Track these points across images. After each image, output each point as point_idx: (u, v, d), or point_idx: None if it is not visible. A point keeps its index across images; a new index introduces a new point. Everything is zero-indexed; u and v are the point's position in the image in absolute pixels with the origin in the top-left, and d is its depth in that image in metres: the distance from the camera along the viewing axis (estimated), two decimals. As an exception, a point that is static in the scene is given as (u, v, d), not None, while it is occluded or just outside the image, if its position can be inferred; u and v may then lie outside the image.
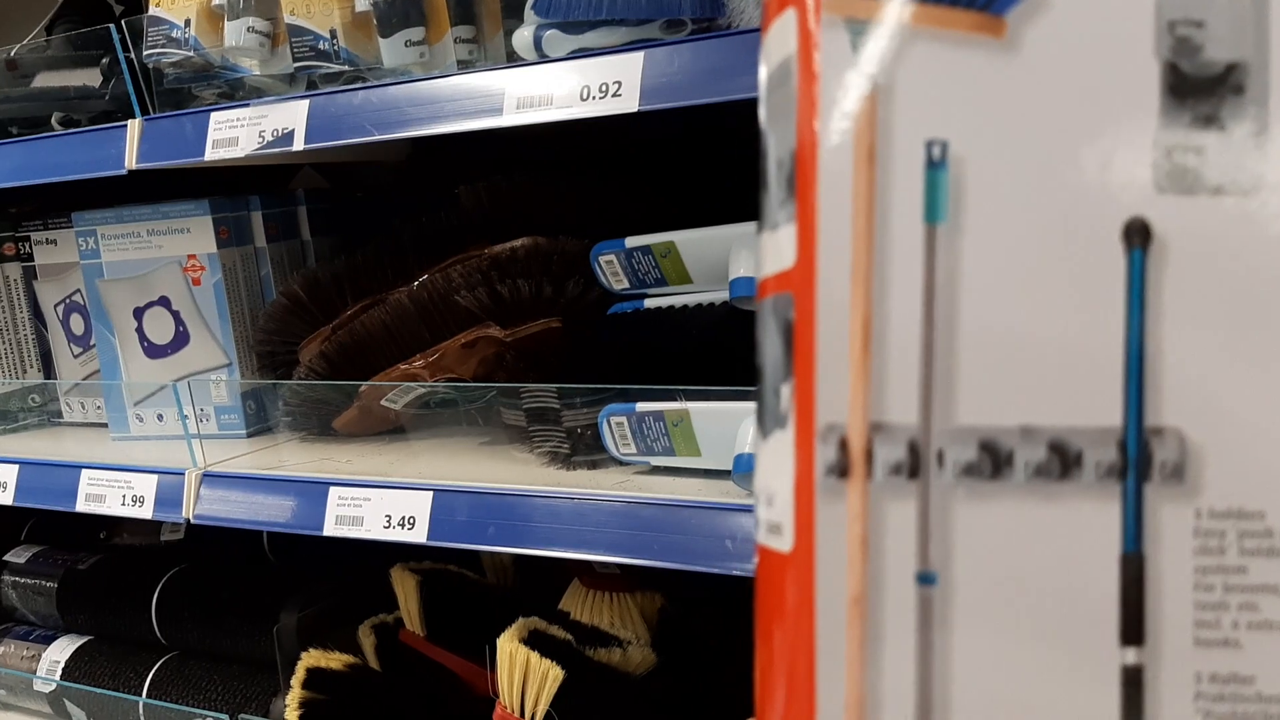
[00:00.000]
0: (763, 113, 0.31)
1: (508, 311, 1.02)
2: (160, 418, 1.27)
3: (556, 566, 1.19)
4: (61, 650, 1.37)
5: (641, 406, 0.90)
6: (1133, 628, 0.28)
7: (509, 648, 0.95)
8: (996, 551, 0.28)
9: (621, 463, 0.95)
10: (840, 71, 0.28)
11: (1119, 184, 0.28)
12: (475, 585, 1.23)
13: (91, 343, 1.37)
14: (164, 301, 1.25)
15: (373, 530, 0.98)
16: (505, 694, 0.96)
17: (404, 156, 1.34)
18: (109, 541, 1.55)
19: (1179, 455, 0.28)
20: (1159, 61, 0.28)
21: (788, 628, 0.29)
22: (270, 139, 1.00)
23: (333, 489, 1.01)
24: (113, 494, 1.16)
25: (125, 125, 1.09)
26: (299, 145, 0.98)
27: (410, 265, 1.11)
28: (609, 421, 0.93)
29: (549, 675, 0.93)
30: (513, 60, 0.94)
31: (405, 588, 1.17)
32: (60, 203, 1.33)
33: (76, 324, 1.39)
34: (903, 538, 0.28)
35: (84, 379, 1.40)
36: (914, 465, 0.28)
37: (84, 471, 1.18)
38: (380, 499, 0.99)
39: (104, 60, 1.18)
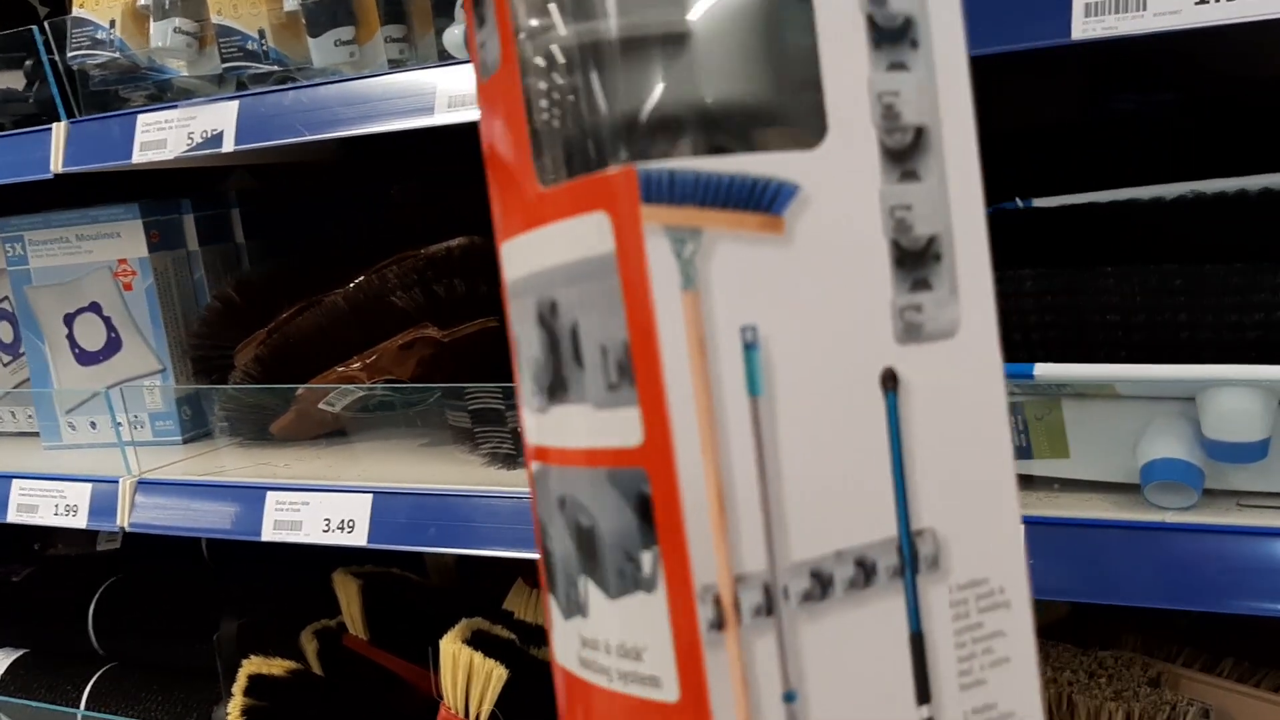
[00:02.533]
0: (558, 296, 0.35)
1: (444, 311, 1.02)
2: (93, 425, 1.25)
3: (500, 567, 1.18)
4: (-4, 664, 1.34)
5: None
6: (923, 689, 0.35)
7: (452, 649, 0.95)
8: (832, 658, 0.34)
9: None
10: (667, 274, 0.33)
11: (874, 341, 0.35)
12: (418, 588, 1.23)
13: (20, 351, 1.34)
14: (95, 307, 1.22)
15: (312, 534, 0.97)
16: (449, 695, 0.96)
17: (335, 156, 1.32)
18: (43, 553, 1.52)
19: (935, 548, 0.35)
20: (887, 240, 0.35)
21: None
22: (199, 140, 0.98)
23: (270, 494, 1.00)
24: (45, 504, 1.14)
25: (50, 128, 1.07)
26: (229, 146, 0.97)
27: (346, 266, 1.10)
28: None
29: (493, 675, 0.93)
30: (444, 59, 0.94)
31: (347, 592, 1.16)
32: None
33: (5, 331, 1.37)
34: (770, 667, 0.33)
35: (13, 388, 1.37)
36: (769, 604, 0.34)
37: (15, 482, 1.15)
38: (319, 503, 0.98)
39: (27, 62, 1.16)
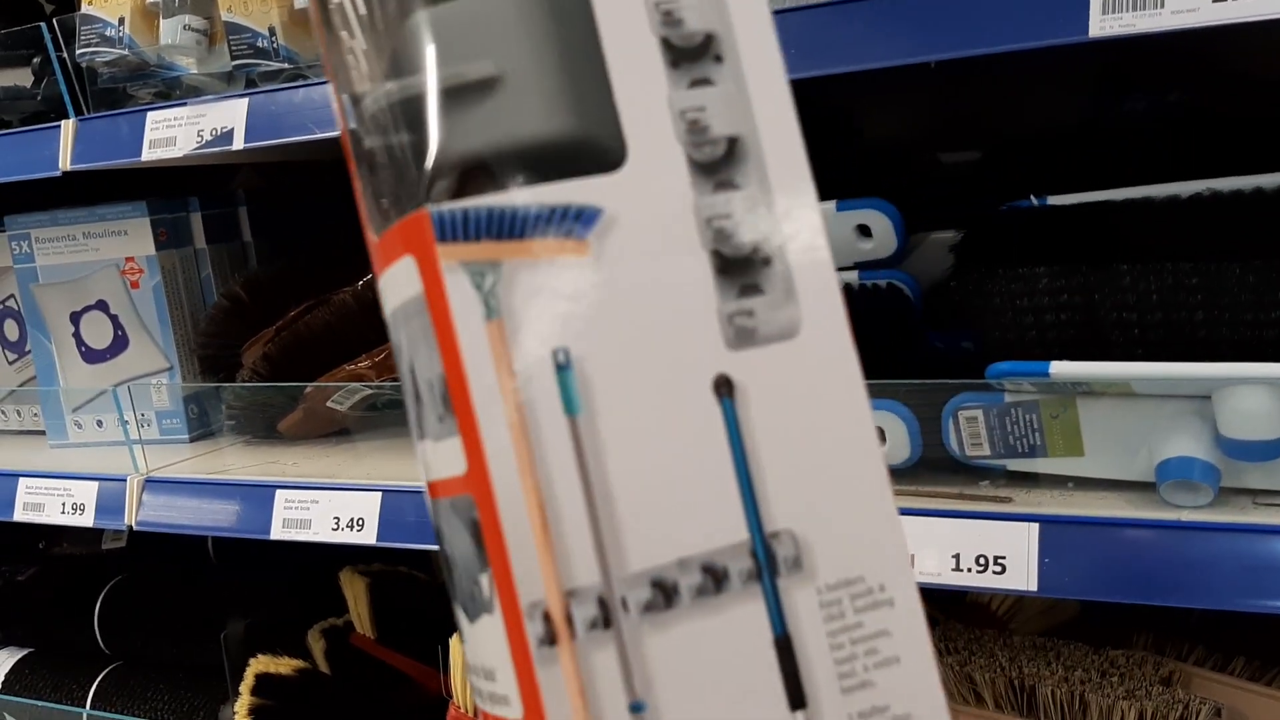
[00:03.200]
0: (398, 338, 0.37)
1: (454, 309, 1.01)
2: (100, 424, 1.25)
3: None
4: (1, 663, 1.34)
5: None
6: (796, 695, 0.35)
7: (461, 647, 0.95)
8: (684, 666, 0.34)
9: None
10: (468, 307, 0.34)
11: (702, 350, 0.35)
12: (426, 586, 1.23)
13: (26, 349, 1.34)
14: (102, 305, 1.22)
15: (321, 533, 0.97)
16: (459, 694, 0.96)
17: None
18: (48, 552, 1.52)
19: (795, 550, 0.35)
20: (706, 250, 0.36)
21: None
22: (209, 138, 0.98)
23: (279, 492, 1.00)
24: (52, 502, 1.14)
25: (59, 126, 1.07)
26: (239, 144, 0.97)
27: (354, 265, 1.09)
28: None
29: (503, 674, 0.93)
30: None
31: (355, 590, 1.16)
32: (-9, 206, 1.31)
33: (10, 330, 1.36)
34: (611, 679, 0.34)
35: (20, 386, 1.37)
36: (606, 617, 0.34)
37: (21, 480, 1.15)
38: (328, 501, 0.98)
39: (35, 60, 1.16)
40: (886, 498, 0.36)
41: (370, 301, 1.05)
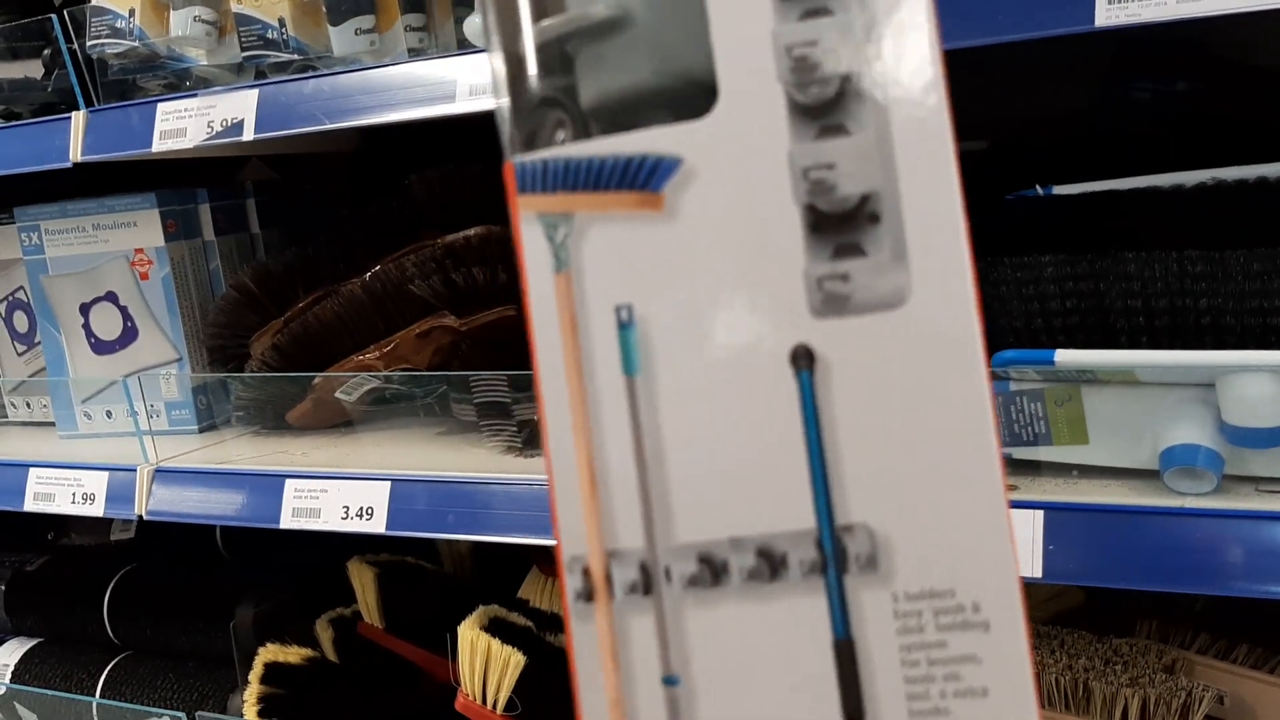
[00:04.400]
0: None
1: (462, 300, 1.02)
2: (109, 415, 1.26)
3: (514, 556, 1.19)
4: (10, 653, 1.35)
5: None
6: (853, 705, 0.32)
7: (470, 635, 0.96)
8: (726, 650, 0.32)
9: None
10: (539, 258, 0.34)
11: (780, 316, 0.32)
12: (433, 576, 1.23)
13: (36, 340, 1.34)
14: (111, 297, 1.23)
15: (330, 522, 0.98)
16: (467, 681, 0.96)
17: (354, 147, 1.33)
18: (57, 542, 1.52)
19: (870, 547, 0.32)
20: (799, 205, 0.32)
21: None
22: (219, 129, 0.99)
23: (289, 481, 1.01)
24: (62, 492, 1.14)
25: (69, 117, 1.08)
26: (249, 135, 0.97)
27: (363, 256, 1.10)
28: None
29: (510, 661, 0.93)
30: (464, 47, 0.94)
31: (363, 580, 1.17)
32: (1, 197, 1.31)
33: (20, 321, 1.37)
34: (647, 647, 0.33)
35: (29, 377, 1.38)
36: (647, 583, 0.33)
37: (32, 470, 1.16)
38: (338, 490, 0.98)
39: (45, 52, 1.16)
40: (997, 505, 0.32)
41: (380, 293, 1.05)
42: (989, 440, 0.32)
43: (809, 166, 0.32)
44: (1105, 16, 0.67)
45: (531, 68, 0.35)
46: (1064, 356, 0.70)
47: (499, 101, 0.36)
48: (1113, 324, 0.72)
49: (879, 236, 0.32)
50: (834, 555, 0.32)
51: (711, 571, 0.32)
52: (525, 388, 0.97)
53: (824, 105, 0.32)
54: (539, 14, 0.36)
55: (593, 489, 0.33)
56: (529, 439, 0.99)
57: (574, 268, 0.34)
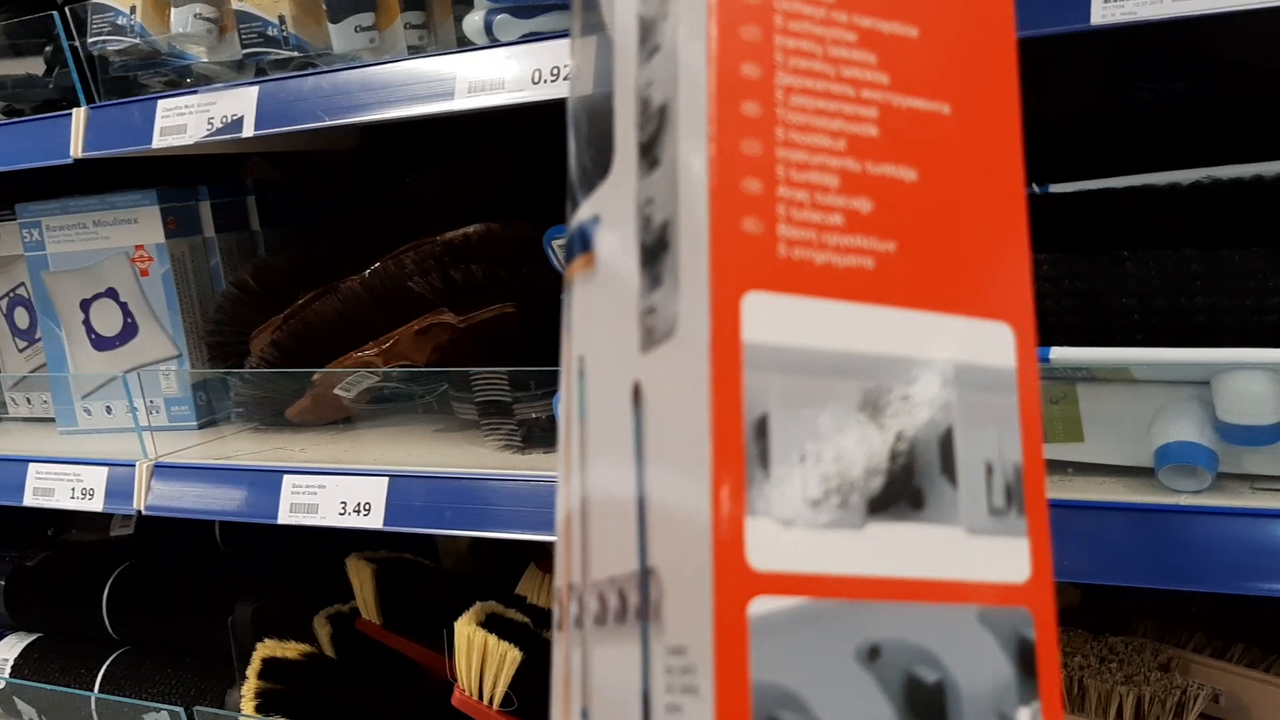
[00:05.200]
0: None
1: (461, 297, 1.02)
2: (109, 410, 1.26)
3: (512, 554, 1.19)
4: (10, 648, 1.35)
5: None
6: None
7: (466, 631, 0.96)
8: (606, 689, 0.31)
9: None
10: (565, 320, 0.36)
11: (628, 353, 0.32)
12: (431, 573, 1.24)
13: (37, 336, 1.35)
14: (111, 293, 1.23)
15: (328, 517, 0.98)
16: (464, 677, 0.97)
17: (354, 144, 1.33)
18: (57, 538, 1.53)
19: (658, 594, 0.29)
20: (637, 242, 0.32)
21: None
22: (219, 126, 0.99)
23: (287, 477, 1.01)
24: (61, 487, 1.15)
25: (70, 114, 1.08)
26: (249, 132, 0.97)
27: (362, 253, 1.10)
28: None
29: (507, 657, 0.94)
30: (463, 45, 0.94)
31: (361, 577, 1.17)
32: (2, 194, 1.32)
33: (21, 317, 1.38)
34: (577, 679, 0.33)
35: (30, 373, 1.38)
36: (579, 617, 0.33)
37: (31, 465, 1.16)
38: (335, 486, 0.99)
39: (47, 48, 1.17)
40: (705, 554, 0.27)
41: (379, 290, 1.05)
42: (704, 470, 0.29)
43: (642, 203, 0.32)
44: (1101, 15, 0.67)
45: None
46: (1059, 354, 0.70)
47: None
48: (1109, 322, 0.72)
49: (667, 264, 0.31)
50: (646, 602, 0.29)
51: (602, 608, 0.31)
52: (525, 385, 0.97)
53: (651, 139, 0.32)
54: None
55: (567, 529, 0.35)
56: (528, 436, 0.99)
57: (566, 327, 0.36)
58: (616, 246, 0.33)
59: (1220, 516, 0.69)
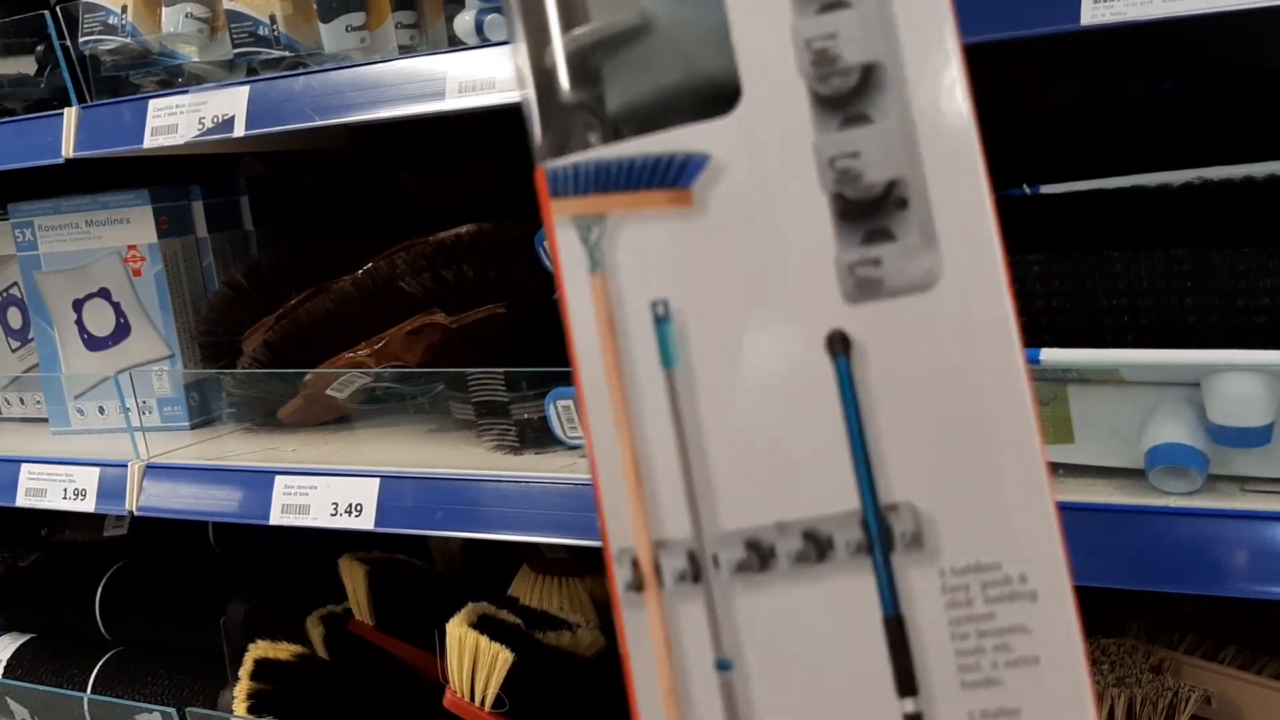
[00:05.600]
0: None
1: (453, 297, 1.02)
2: (101, 411, 1.26)
3: (505, 554, 1.19)
4: (3, 649, 1.35)
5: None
6: (906, 680, 0.32)
7: (458, 632, 0.96)
8: (778, 632, 0.33)
9: (569, 446, 0.96)
10: (574, 260, 0.34)
11: (813, 303, 0.32)
12: (424, 574, 1.23)
13: (29, 336, 1.35)
14: (104, 293, 1.23)
15: (319, 518, 0.98)
16: (455, 678, 0.96)
17: (347, 143, 1.33)
18: (50, 538, 1.52)
19: (915, 525, 0.32)
20: (827, 194, 0.32)
21: None
22: (210, 125, 0.99)
23: (278, 478, 1.01)
24: (54, 488, 1.14)
25: (62, 113, 1.08)
26: (239, 131, 0.97)
27: (355, 252, 1.10)
28: (555, 405, 0.93)
29: (499, 658, 0.93)
30: (454, 45, 0.94)
31: (353, 578, 1.17)
32: (-6, 194, 1.32)
33: (14, 317, 1.37)
34: (698, 633, 0.33)
35: (23, 373, 1.38)
36: (695, 571, 0.33)
37: (24, 465, 1.16)
38: (327, 487, 0.98)
39: (39, 48, 1.16)
40: (1038, 479, 0.32)
41: (371, 290, 1.05)
42: (1028, 414, 0.32)
43: (835, 156, 0.33)
44: (1091, 15, 0.67)
45: (561, 75, 0.35)
46: (1050, 355, 0.70)
47: (527, 109, 0.37)
48: (1099, 323, 0.72)
49: (907, 221, 0.33)
50: (879, 534, 0.32)
51: (759, 556, 0.33)
52: (518, 386, 0.97)
53: (846, 95, 0.33)
54: (568, 24, 0.36)
55: (638, 482, 0.34)
56: (524, 436, 0.99)
57: (608, 267, 0.34)
58: (761, 192, 0.33)
59: (1211, 518, 0.69)
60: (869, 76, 0.32)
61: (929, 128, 0.32)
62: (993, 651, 0.32)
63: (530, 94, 0.36)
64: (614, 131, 0.35)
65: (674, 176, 0.34)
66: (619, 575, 0.34)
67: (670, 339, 0.34)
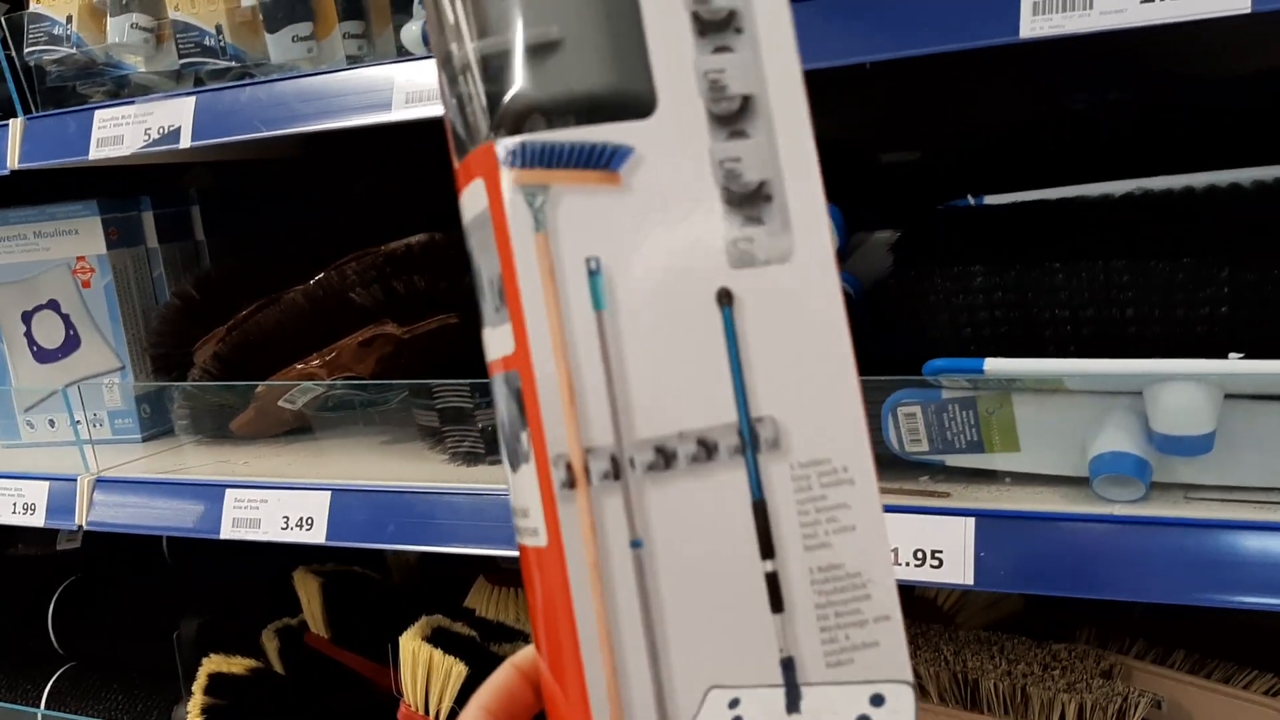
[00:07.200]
0: (470, 244, 0.46)
1: (404, 308, 1.01)
2: (51, 424, 1.24)
3: (462, 565, 1.18)
4: (-46, 665, 1.33)
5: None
6: (767, 547, 0.44)
7: (411, 646, 0.95)
8: (677, 516, 0.43)
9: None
10: (521, 220, 0.43)
11: (709, 267, 0.43)
12: (380, 586, 1.23)
13: (-21, 349, 1.33)
14: (53, 305, 1.22)
15: (270, 532, 0.97)
16: (409, 692, 0.96)
17: (299, 153, 1.32)
18: (3, 552, 1.50)
19: (774, 432, 0.44)
20: (718, 187, 0.44)
21: (552, 595, 0.43)
22: (156, 136, 0.98)
23: (229, 491, 1.00)
24: (3, 502, 1.13)
25: (6, 125, 1.06)
26: (186, 143, 0.96)
27: (307, 263, 1.09)
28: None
29: (453, 671, 0.93)
30: (402, 55, 0.94)
31: (308, 590, 1.16)
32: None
33: (-37, 330, 1.35)
34: (617, 519, 0.43)
35: (-29, 386, 1.36)
36: (616, 471, 0.43)
37: (-28, 481, 1.14)
38: (278, 500, 0.98)
39: (-17, 58, 1.15)
40: (853, 397, 0.44)
41: (321, 300, 1.04)
42: (846, 351, 0.44)
43: (723, 159, 0.44)
44: (1030, 28, 0.67)
45: (511, 70, 0.44)
46: (993, 365, 0.70)
47: (469, 94, 0.45)
48: (1041, 334, 0.72)
49: (772, 211, 0.44)
50: (750, 439, 0.43)
51: (664, 458, 0.43)
52: (488, 393, 0.96)
53: (731, 116, 0.44)
54: (481, 31, 0.45)
55: (571, 400, 0.42)
56: (492, 444, 0.98)
57: (550, 228, 0.42)
58: (672, 180, 0.43)
59: (1154, 526, 0.69)
60: (746, 104, 0.44)
61: (785, 143, 0.44)
62: (825, 523, 0.43)
63: (479, 85, 0.44)
64: (554, 119, 0.43)
65: (606, 160, 0.43)
66: (555, 476, 0.42)
67: (600, 288, 0.43)
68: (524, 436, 0.43)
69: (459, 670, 0.93)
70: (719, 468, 0.43)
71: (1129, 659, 0.90)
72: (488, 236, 0.44)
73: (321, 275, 1.04)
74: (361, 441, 1.12)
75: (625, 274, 0.43)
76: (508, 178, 0.43)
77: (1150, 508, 0.71)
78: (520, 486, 0.44)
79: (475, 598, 1.15)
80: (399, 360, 1.03)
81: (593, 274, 0.43)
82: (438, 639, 0.97)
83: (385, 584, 1.23)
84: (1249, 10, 0.64)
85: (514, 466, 0.45)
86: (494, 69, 0.43)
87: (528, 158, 0.42)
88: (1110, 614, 0.97)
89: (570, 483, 0.42)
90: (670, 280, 0.43)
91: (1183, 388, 0.68)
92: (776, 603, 0.44)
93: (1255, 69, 0.92)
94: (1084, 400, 0.73)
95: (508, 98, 0.43)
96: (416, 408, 1.03)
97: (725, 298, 0.43)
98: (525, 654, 0.48)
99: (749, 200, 0.44)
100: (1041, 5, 0.67)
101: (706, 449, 0.43)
